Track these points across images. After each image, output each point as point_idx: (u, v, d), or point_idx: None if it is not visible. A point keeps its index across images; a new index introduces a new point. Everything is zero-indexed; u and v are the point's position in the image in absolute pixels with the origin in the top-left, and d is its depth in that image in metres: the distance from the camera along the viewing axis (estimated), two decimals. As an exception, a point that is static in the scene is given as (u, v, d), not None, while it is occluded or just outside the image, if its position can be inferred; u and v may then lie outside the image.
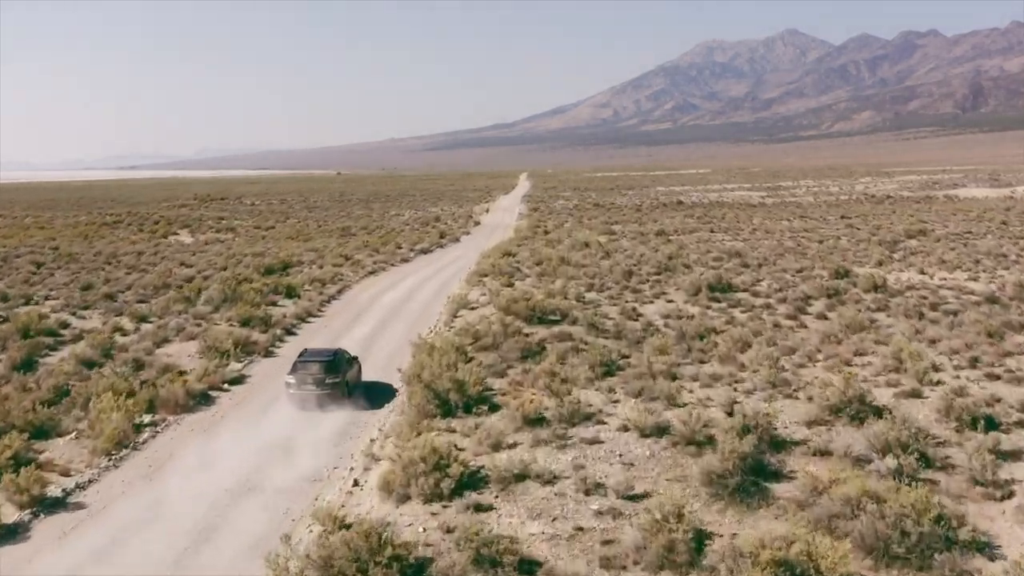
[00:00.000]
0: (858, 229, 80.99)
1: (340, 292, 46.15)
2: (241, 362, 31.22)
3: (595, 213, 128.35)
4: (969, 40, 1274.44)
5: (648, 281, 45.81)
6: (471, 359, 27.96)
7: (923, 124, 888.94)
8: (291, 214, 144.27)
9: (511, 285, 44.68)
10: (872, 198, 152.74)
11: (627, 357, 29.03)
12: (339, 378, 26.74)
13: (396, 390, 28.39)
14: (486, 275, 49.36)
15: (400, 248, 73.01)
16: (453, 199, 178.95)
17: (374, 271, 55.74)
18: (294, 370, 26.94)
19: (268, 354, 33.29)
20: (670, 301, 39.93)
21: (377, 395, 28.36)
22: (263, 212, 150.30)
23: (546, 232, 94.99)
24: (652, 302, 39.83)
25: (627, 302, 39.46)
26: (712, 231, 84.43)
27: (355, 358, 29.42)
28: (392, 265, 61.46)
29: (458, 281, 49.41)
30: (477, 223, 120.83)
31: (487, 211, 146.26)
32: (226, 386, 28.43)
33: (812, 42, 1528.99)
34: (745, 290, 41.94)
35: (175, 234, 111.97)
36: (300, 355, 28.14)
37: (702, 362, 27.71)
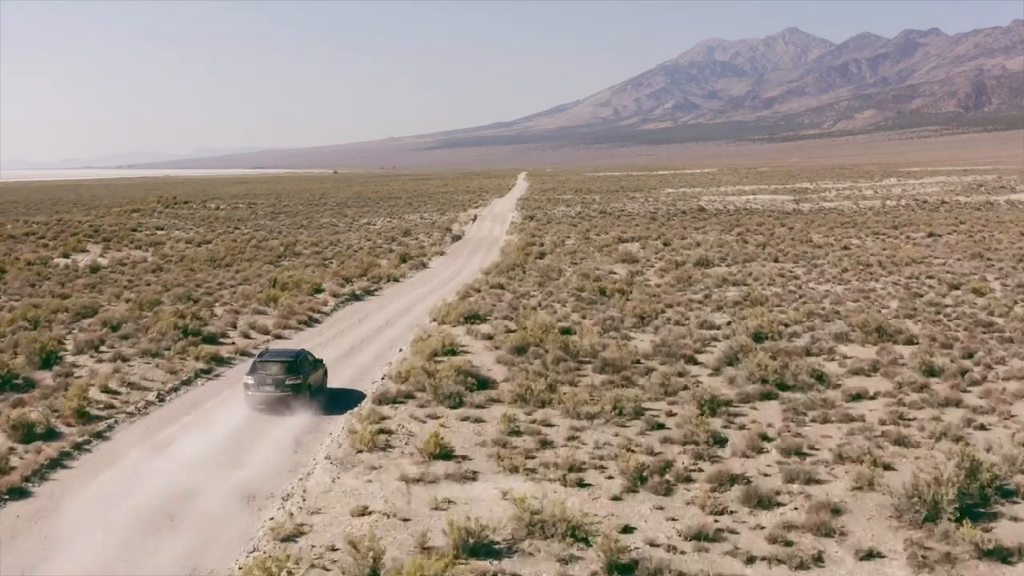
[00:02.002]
0: (990, 260, 55.21)
1: (70, 459, 20.06)
2: None
3: (602, 223, 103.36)
4: (971, 39, 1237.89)
5: (766, 434, 19.69)
6: None
7: (926, 123, 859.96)
8: (248, 221, 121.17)
9: (446, 455, 18.90)
10: (924, 204, 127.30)
11: None
12: (300, 380, 24.56)
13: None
14: (409, 396, 23.74)
15: (318, 294, 47.14)
16: (440, 203, 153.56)
17: (214, 369, 29.39)
18: (253, 370, 25.03)
19: None
20: (876, 555, 14.07)
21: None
22: (219, 219, 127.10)
23: (541, 255, 69.68)
24: (819, 562, 13.94)
25: (754, 559, 13.85)
26: (776, 259, 58.68)
27: (320, 361, 27.08)
28: (278, 337, 35.75)
29: (347, 420, 23.19)
30: (458, 237, 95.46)
31: (474, 219, 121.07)
32: None
33: (813, 41, 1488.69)
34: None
35: (84, 250, 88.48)
36: (260, 355, 26.39)
37: None
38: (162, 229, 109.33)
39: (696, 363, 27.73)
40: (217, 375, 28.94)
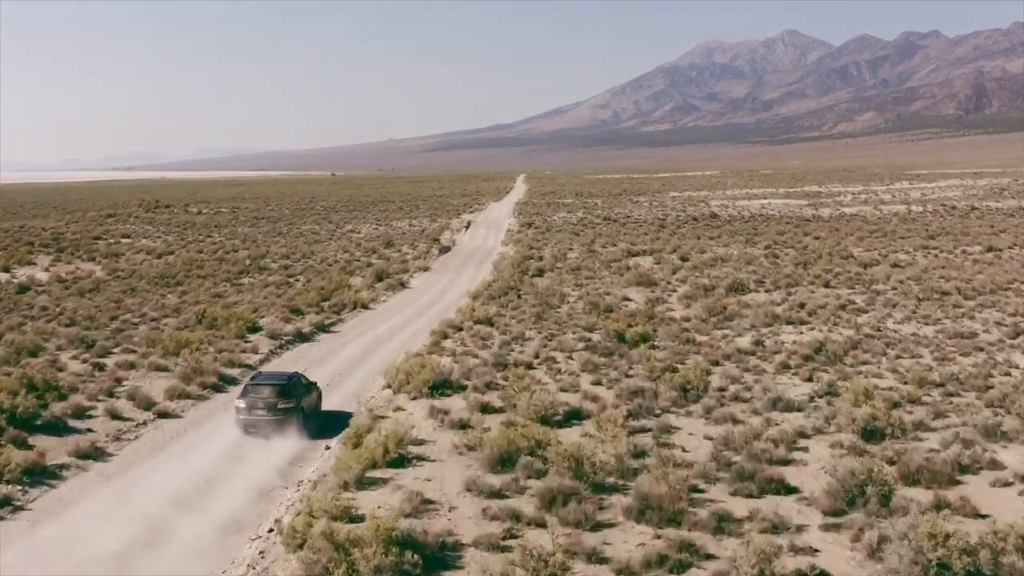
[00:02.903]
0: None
1: None
2: None
3: (607, 232, 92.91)
4: (971, 41, 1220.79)
5: None
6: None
7: (926, 125, 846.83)
8: (225, 228, 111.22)
9: None
10: (953, 210, 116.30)
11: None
12: (292, 403, 23.91)
13: None
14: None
15: (253, 334, 36.22)
16: (433, 208, 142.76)
17: (16, 497, 17.58)
18: (245, 394, 24.38)
19: None
20: None
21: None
22: (196, 225, 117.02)
23: (539, 272, 59.20)
24: None
25: None
26: (826, 284, 47.63)
27: (314, 384, 26.15)
28: (162, 415, 24.84)
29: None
30: (447, 248, 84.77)
31: (467, 226, 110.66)
32: None
33: (812, 43, 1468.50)
34: None
35: (31, 263, 78.65)
36: (252, 378, 25.88)
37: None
38: (128, 237, 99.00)
39: (791, 491, 16.93)
40: (16, 508, 17.85)
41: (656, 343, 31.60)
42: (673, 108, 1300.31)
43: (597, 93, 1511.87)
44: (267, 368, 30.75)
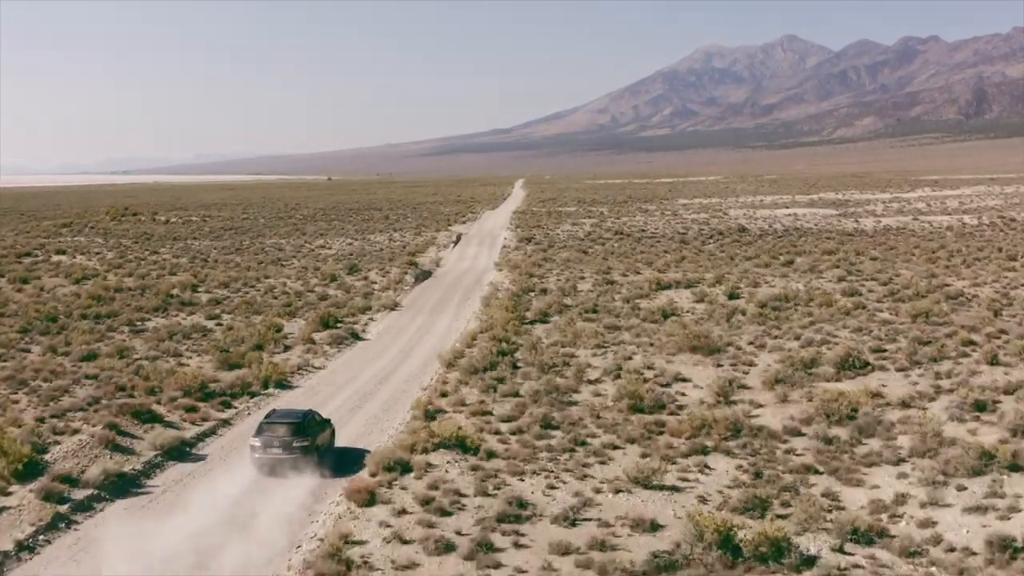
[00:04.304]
0: None
1: None
2: None
3: (622, 250, 76.74)
4: (971, 46, 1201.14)
5: None
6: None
7: (926, 130, 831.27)
8: (181, 241, 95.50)
9: None
10: (1012, 223, 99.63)
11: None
12: (308, 442, 23.27)
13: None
14: None
15: (10, 490, 19.60)
16: (421, 216, 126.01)
17: None
18: (259, 432, 23.51)
19: None
20: None
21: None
22: (152, 237, 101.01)
23: (543, 316, 43.05)
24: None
25: None
26: (992, 359, 30.97)
27: (327, 421, 25.25)
28: None
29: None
30: (427, 274, 68.16)
31: (457, 240, 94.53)
32: None
33: (811, 48, 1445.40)
34: None
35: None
36: (267, 416, 24.69)
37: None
38: (64, 253, 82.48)
39: None
40: None
41: (802, 549, 14.93)
42: (672, 113, 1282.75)
43: (596, 98, 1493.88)
44: None
